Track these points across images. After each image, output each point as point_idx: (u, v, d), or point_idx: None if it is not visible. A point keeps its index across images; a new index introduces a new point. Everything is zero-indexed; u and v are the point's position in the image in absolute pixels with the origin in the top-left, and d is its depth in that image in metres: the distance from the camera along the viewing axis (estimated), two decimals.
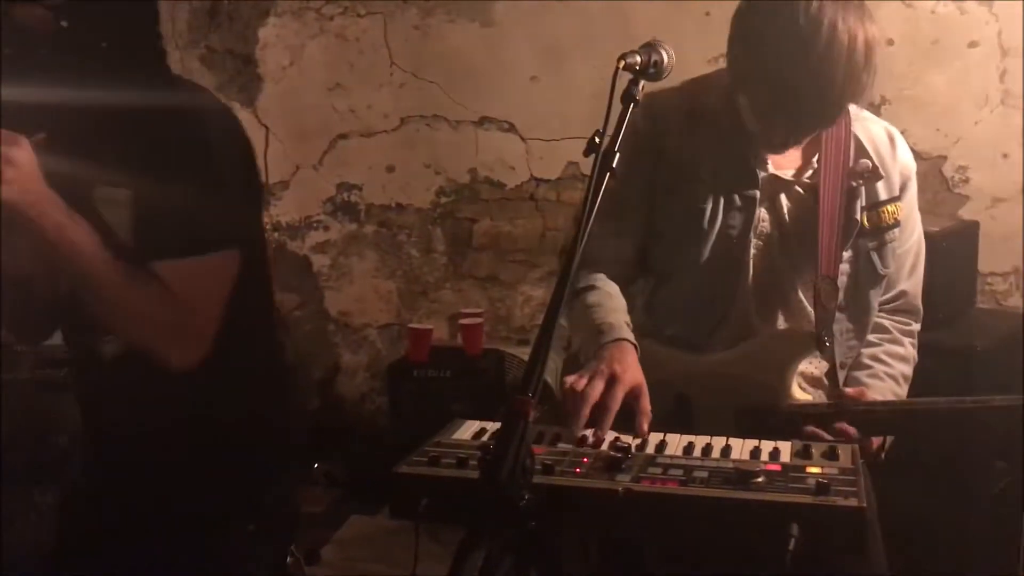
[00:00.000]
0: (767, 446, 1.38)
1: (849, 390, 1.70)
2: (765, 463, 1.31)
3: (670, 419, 1.57)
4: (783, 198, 1.72)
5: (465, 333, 3.73)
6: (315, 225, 4.11)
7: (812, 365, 1.76)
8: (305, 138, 4.04)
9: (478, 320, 3.74)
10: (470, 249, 3.97)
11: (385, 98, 3.90)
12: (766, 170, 1.69)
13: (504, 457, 1.00)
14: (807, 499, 1.18)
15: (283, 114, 4.05)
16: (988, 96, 3.31)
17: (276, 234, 4.13)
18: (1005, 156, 3.32)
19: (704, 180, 1.70)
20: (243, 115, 4.06)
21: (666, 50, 1.34)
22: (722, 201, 1.70)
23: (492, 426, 1.51)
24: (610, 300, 1.70)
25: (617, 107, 1.33)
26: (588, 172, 3.66)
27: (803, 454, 1.34)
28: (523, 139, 3.78)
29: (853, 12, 1.48)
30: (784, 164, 1.72)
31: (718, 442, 1.40)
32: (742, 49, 1.58)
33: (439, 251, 4.01)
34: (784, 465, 1.30)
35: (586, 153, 1.26)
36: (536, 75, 3.71)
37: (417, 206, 3.99)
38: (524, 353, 3.76)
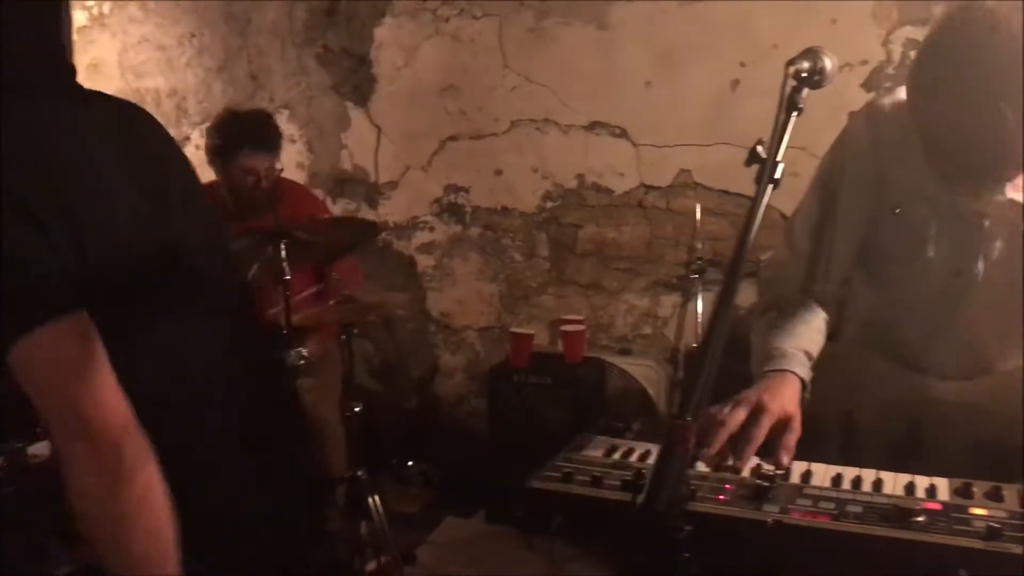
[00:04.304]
0: (922, 482, 1.30)
1: None
2: (923, 500, 1.23)
3: (896, 443, 1.49)
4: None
5: (566, 340, 3.69)
6: (421, 226, 4.13)
7: None
8: (415, 139, 4.06)
9: (580, 327, 3.70)
10: (574, 255, 3.92)
11: (497, 101, 3.89)
12: (1003, 193, 1.53)
13: (663, 485, 0.95)
14: (976, 544, 1.10)
15: (395, 114, 4.07)
16: None
17: (383, 234, 4.16)
18: None
19: (931, 201, 1.59)
20: (356, 114, 4.12)
21: (829, 57, 1.26)
22: (949, 224, 1.58)
23: (622, 443, 1.46)
24: (796, 324, 1.61)
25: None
26: (700, 180, 3.59)
27: (964, 493, 1.26)
28: (634, 145, 3.72)
29: None
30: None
31: (868, 474, 1.33)
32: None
33: (542, 256, 3.98)
34: (944, 504, 1.22)
35: (747, 163, 1.20)
36: (651, 80, 3.65)
37: (522, 210, 3.96)
38: (625, 363, 3.71)
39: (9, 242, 1.08)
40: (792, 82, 1.23)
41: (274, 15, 4.18)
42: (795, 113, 1.23)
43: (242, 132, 3.12)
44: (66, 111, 1.24)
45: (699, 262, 3.59)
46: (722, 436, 1.34)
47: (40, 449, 2.45)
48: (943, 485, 1.29)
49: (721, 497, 1.24)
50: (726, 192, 3.62)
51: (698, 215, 3.60)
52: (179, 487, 1.22)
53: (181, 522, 1.21)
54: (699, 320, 3.61)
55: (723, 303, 1.10)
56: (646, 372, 3.68)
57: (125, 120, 1.35)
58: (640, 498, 1.00)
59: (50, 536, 2.11)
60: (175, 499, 1.20)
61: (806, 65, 1.24)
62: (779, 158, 1.20)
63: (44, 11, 1.29)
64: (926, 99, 1.44)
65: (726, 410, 1.39)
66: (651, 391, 3.64)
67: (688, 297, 3.73)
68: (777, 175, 1.20)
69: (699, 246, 3.60)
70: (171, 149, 1.42)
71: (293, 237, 2.72)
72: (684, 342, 3.75)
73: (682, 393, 1.06)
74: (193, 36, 4.33)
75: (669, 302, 3.79)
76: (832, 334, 1.70)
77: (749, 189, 3.78)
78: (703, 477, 1.31)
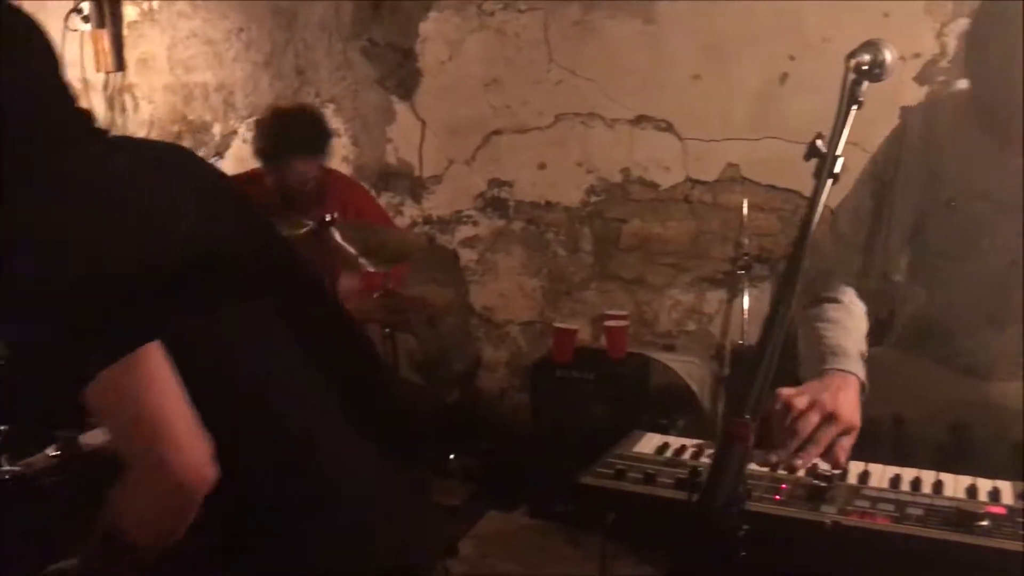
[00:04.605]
0: (984, 485, 1.27)
1: None
2: (986, 504, 1.20)
3: (946, 446, 1.47)
4: None
5: (609, 335, 3.67)
6: (465, 220, 4.13)
7: None
8: (459, 133, 4.06)
9: (623, 323, 3.67)
10: (618, 250, 3.90)
11: (541, 95, 3.87)
12: None
13: (721, 483, 0.94)
14: None
15: (439, 109, 4.08)
16: None
17: (427, 227, 4.17)
18: None
19: (987, 192, 1.58)
20: (401, 108, 4.13)
21: (890, 50, 1.24)
22: (1005, 215, 1.57)
23: (674, 441, 1.45)
24: (851, 320, 1.60)
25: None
26: (747, 175, 3.55)
27: None
28: (680, 139, 3.68)
29: None
30: None
31: (927, 476, 1.30)
32: None
33: (586, 251, 3.96)
34: (1009, 508, 1.19)
35: (807, 157, 1.18)
36: (698, 73, 3.61)
37: (566, 204, 3.94)
38: (669, 359, 3.67)
39: (83, 278, 1.09)
40: (852, 75, 1.21)
41: (321, 9, 4.20)
42: (855, 107, 1.21)
43: (292, 140, 3.07)
44: (105, 152, 1.25)
45: (746, 258, 3.54)
46: (795, 444, 1.33)
47: (92, 438, 2.49)
48: (1007, 488, 1.26)
49: (777, 497, 1.22)
50: (774, 187, 3.57)
51: (745, 210, 3.55)
52: (275, 479, 1.23)
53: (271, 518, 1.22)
54: (745, 317, 3.57)
55: (783, 299, 1.08)
56: (690, 369, 3.65)
57: (152, 150, 1.38)
58: (697, 496, 0.98)
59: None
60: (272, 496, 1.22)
61: (867, 58, 1.22)
62: (839, 152, 1.18)
63: (49, 63, 1.25)
64: (979, 56, 1.51)
65: (798, 409, 1.36)
66: (695, 388, 3.60)
67: (734, 293, 3.67)
68: (837, 169, 1.17)
69: (746, 242, 3.55)
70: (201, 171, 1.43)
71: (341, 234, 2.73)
72: (730, 339, 3.71)
73: (740, 390, 1.04)
74: (241, 31, 4.37)
75: (715, 298, 3.75)
76: (877, 334, 1.68)
77: (797, 184, 3.76)
78: (757, 476, 1.29)
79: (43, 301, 1.09)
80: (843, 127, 1.18)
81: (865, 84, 1.22)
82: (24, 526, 2.30)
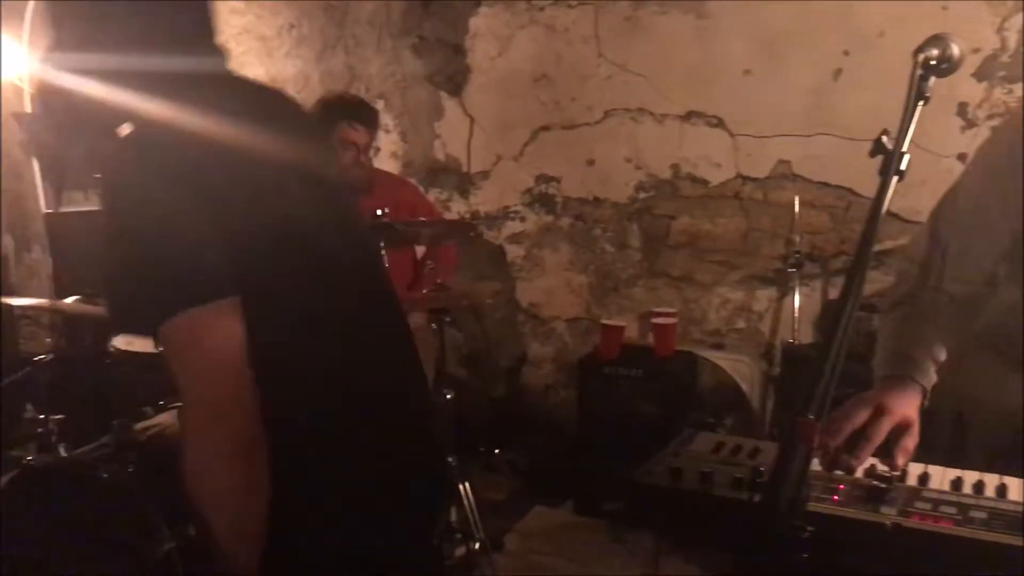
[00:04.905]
0: None
1: None
2: None
3: (1007, 454, 1.43)
4: None
5: (657, 333, 3.65)
6: (512, 216, 4.13)
7: None
8: (508, 129, 4.06)
9: (671, 320, 3.65)
10: (666, 247, 3.88)
11: (590, 90, 3.86)
12: None
13: (784, 484, 0.93)
14: None
15: (488, 104, 4.08)
16: None
17: (474, 223, 4.18)
18: None
19: None
20: (449, 104, 4.15)
21: (957, 44, 1.21)
22: None
23: (730, 440, 1.43)
24: (925, 326, 1.55)
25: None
26: (799, 172, 3.50)
27: None
28: (731, 135, 3.65)
29: None
30: None
31: (990, 479, 1.27)
32: None
33: (634, 247, 3.94)
34: None
35: (872, 154, 1.16)
36: (750, 69, 3.57)
37: (614, 200, 3.93)
38: (718, 357, 3.65)
39: (176, 221, 1.15)
40: (919, 71, 1.19)
41: (372, 6, 4.23)
42: (922, 102, 1.18)
43: (341, 107, 3.17)
44: (222, 95, 1.30)
45: (797, 256, 3.51)
46: (841, 437, 1.30)
47: (147, 427, 2.54)
48: None
49: (835, 498, 1.21)
50: (826, 184, 3.53)
51: (796, 207, 3.52)
52: (306, 461, 1.25)
53: (306, 493, 1.25)
54: (795, 315, 3.54)
55: (850, 297, 1.06)
56: (739, 367, 3.62)
57: (271, 103, 1.42)
58: (759, 497, 0.97)
59: (157, 512, 2.17)
60: (301, 472, 1.24)
61: (935, 52, 1.19)
62: (904, 149, 1.16)
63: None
64: None
65: (847, 410, 1.35)
66: (744, 386, 3.57)
67: (784, 291, 3.65)
68: (902, 167, 1.15)
69: (797, 239, 3.52)
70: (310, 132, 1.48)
71: (391, 228, 2.75)
72: (780, 337, 3.68)
73: (804, 389, 1.02)
74: (292, 27, 4.41)
75: (764, 296, 3.71)
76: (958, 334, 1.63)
77: (850, 181, 3.70)
78: (814, 477, 1.27)
79: (149, 231, 1.16)
80: (910, 123, 1.16)
81: (932, 79, 1.20)
82: (80, 513, 2.35)
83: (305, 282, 1.28)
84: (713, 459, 1.35)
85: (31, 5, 4.65)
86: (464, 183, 4.20)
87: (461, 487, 3.05)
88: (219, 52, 1.38)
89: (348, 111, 3.16)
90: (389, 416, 1.38)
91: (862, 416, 1.32)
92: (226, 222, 1.17)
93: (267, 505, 1.20)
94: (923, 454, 1.38)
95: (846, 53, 3.41)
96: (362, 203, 2.95)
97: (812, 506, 1.17)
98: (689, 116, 3.71)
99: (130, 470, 2.36)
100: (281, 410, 1.20)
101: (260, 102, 1.40)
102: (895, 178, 1.14)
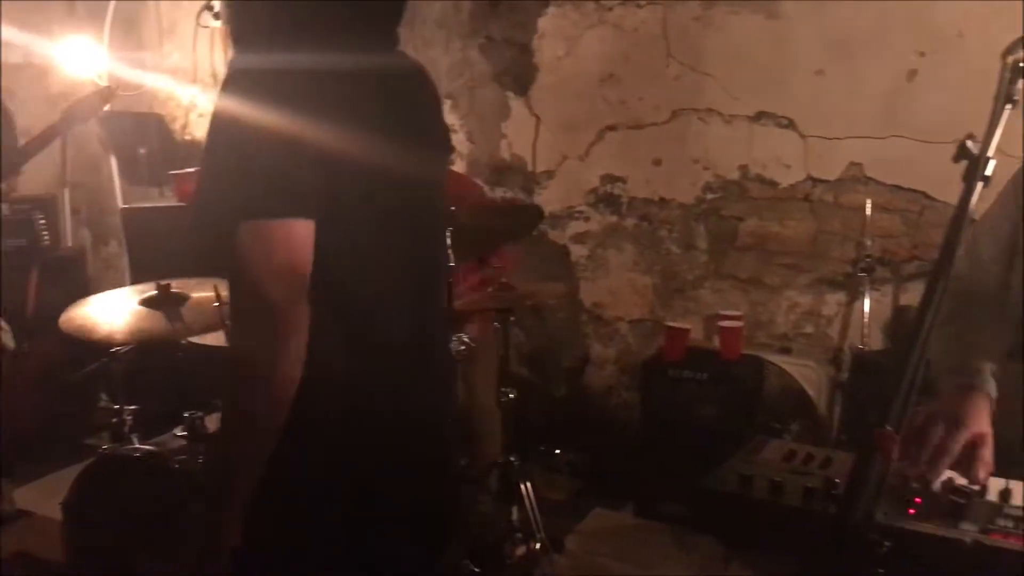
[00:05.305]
0: None
1: None
2: None
3: None
4: None
5: (723, 336, 3.60)
6: (576, 215, 4.12)
7: None
8: (573, 128, 4.05)
9: (738, 323, 3.60)
10: (733, 249, 3.83)
11: (658, 90, 3.83)
12: None
13: (861, 496, 0.91)
14: None
15: (554, 104, 4.08)
16: None
17: (540, 225, 4.18)
18: None
19: None
20: (516, 104, 4.15)
21: None
22: None
23: (801, 449, 1.41)
24: (985, 337, 1.53)
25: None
26: (871, 174, 3.43)
27: None
28: (802, 136, 3.59)
29: None
30: None
31: None
32: None
33: (700, 248, 3.90)
34: None
35: (956, 159, 1.13)
36: (822, 69, 3.51)
37: (681, 201, 3.89)
38: (784, 362, 3.59)
39: (273, 140, 1.21)
40: (1008, 73, 1.15)
41: (440, 6, 4.25)
42: (1010, 106, 1.15)
43: None
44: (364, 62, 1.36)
45: (868, 260, 3.44)
46: (924, 453, 1.27)
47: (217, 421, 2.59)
48: None
49: (911, 512, 1.18)
50: (899, 187, 3.45)
51: (868, 211, 3.44)
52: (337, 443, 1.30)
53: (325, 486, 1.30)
54: (865, 320, 3.46)
55: (931, 306, 1.04)
56: (806, 372, 3.56)
57: (407, 81, 1.48)
58: (835, 509, 0.95)
59: None
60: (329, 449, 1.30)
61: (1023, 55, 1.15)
62: (990, 154, 1.13)
63: None
64: None
65: (923, 428, 1.32)
66: (811, 392, 3.51)
67: (854, 296, 3.58)
68: (988, 172, 1.12)
69: (868, 243, 3.45)
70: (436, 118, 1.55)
71: (457, 222, 2.76)
72: (849, 343, 3.61)
73: (882, 400, 1.00)
74: None
75: (834, 300, 3.64)
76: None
77: (924, 184, 3.61)
78: (891, 489, 1.25)
79: (247, 144, 1.22)
80: (996, 127, 1.13)
81: (1021, 82, 1.16)
82: (151, 502, 2.41)
83: (375, 242, 1.33)
84: (784, 468, 1.33)
85: (111, 6, 4.79)
86: (529, 182, 4.20)
87: (522, 487, 3.05)
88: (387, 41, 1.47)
89: None
90: (407, 415, 1.40)
91: (939, 434, 1.29)
92: (320, 156, 1.23)
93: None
94: (1002, 469, 1.34)
95: (922, 54, 3.33)
96: None
97: (888, 520, 1.15)
98: (759, 117, 3.65)
99: (200, 461, 2.43)
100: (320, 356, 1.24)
101: (393, 79, 1.44)
102: (980, 184, 1.12)
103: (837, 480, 1.15)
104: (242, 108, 1.24)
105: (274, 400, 1.21)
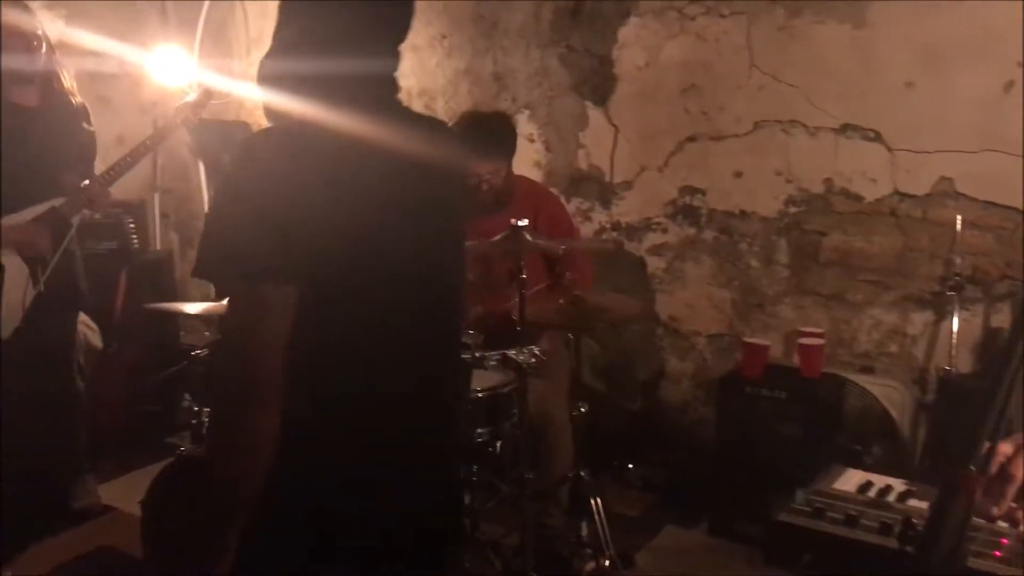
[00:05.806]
0: None
1: None
2: None
3: None
4: None
5: (804, 353, 3.51)
6: (654, 227, 4.07)
7: None
8: (653, 139, 4.01)
9: (819, 341, 3.50)
10: (816, 264, 3.73)
11: (740, 101, 3.76)
12: None
13: (942, 538, 0.86)
14: None
15: (633, 114, 4.04)
16: None
17: (615, 233, 4.14)
18: None
19: None
20: (594, 114, 4.13)
21: None
22: None
23: (877, 479, 1.36)
24: None
25: None
26: (963, 190, 3.31)
27: None
28: (889, 149, 3.48)
29: None
30: None
31: None
32: None
33: (781, 263, 3.81)
34: None
35: None
36: (912, 80, 3.39)
37: (762, 214, 3.81)
38: (867, 381, 3.48)
39: (267, 211, 1.27)
40: None
41: (521, 16, 4.26)
42: None
43: (468, 140, 3.15)
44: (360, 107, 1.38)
45: (957, 278, 3.31)
46: (1010, 492, 1.21)
47: None
48: None
49: (997, 553, 1.12)
50: (992, 203, 3.31)
51: (958, 227, 3.32)
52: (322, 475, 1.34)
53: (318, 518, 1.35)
54: (953, 341, 3.34)
55: (1021, 332, 0.98)
56: (889, 393, 3.44)
57: (409, 138, 1.47)
58: (913, 549, 0.91)
59: None
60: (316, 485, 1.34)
61: None
62: None
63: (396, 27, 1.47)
64: None
65: (1002, 457, 1.25)
66: (894, 414, 3.39)
67: (942, 315, 3.45)
68: None
69: (958, 261, 3.32)
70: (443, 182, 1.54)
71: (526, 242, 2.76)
72: (935, 363, 3.48)
73: (966, 436, 0.95)
74: (444, 37, 4.49)
75: (920, 319, 3.52)
76: None
77: (1020, 201, 3.48)
78: (974, 529, 1.19)
79: (244, 215, 1.28)
80: None
81: None
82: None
83: (360, 307, 1.36)
84: (860, 500, 1.28)
85: (203, 15, 4.93)
86: (606, 193, 4.17)
87: (593, 501, 3.03)
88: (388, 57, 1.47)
89: (477, 144, 3.16)
90: (400, 453, 1.44)
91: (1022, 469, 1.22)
92: (307, 228, 1.27)
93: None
94: None
95: (1020, 65, 3.20)
96: (497, 217, 2.97)
97: (972, 562, 1.09)
98: (844, 129, 3.56)
99: None
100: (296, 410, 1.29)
101: (392, 125, 1.45)
102: None
103: (914, 520, 1.10)
104: (243, 178, 1.31)
105: (248, 468, 1.27)
